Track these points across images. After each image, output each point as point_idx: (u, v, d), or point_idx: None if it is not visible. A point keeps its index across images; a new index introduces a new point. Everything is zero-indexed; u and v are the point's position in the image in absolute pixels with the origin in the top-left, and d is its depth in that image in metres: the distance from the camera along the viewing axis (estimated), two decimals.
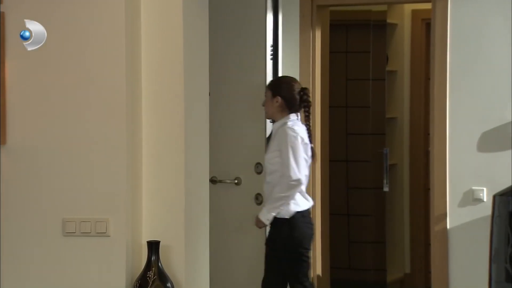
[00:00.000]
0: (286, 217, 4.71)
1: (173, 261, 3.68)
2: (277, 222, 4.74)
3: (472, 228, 5.27)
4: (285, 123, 4.76)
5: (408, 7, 6.80)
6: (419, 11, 6.74)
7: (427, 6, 5.57)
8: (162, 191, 3.73)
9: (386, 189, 6.06)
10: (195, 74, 3.86)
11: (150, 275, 3.58)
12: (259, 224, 4.77)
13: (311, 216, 4.91)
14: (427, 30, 6.47)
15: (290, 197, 4.68)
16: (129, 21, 3.63)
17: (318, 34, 5.72)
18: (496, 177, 5.19)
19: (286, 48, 5.34)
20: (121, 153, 3.61)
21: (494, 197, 5.10)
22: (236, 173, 4.92)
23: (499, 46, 5.23)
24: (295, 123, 4.77)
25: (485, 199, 5.24)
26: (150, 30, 3.72)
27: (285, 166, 4.66)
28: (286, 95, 4.78)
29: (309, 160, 4.80)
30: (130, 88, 3.65)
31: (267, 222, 4.74)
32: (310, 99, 4.87)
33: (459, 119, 5.30)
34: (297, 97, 4.80)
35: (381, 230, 6.64)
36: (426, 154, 6.36)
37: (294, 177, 4.64)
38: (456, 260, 5.31)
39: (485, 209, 5.19)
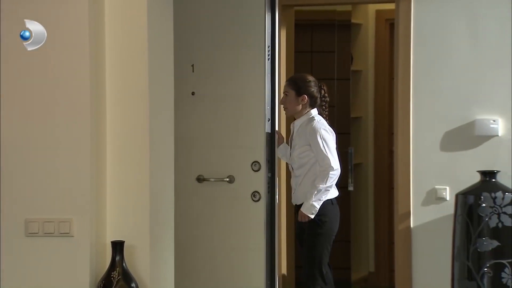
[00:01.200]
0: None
1: (137, 261, 3.67)
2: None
3: (435, 226, 5.32)
4: (312, 119, 5.00)
5: (372, 8, 6.84)
6: (383, 11, 6.78)
7: (391, 6, 5.62)
8: (126, 191, 3.72)
9: (350, 188, 6.09)
10: (160, 73, 3.85)
11: (114, 275, 3.57)
12: (304, 218, 4.96)
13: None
14: (391, 30, 6.51)
15: (332, 186, 4.96)
16: (92, 19, 3.61)
17: (283, 33, 5.73)
18: (458, 176, 5.25)
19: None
20: (85, 153, 3.59)
21: (457, 196, 5.16)
22: (228, 171, 4.91)
23: (462, 46, 5.28)
24: (320, 118, 5.03)
25: (448, 198, 5.29)
26: (114, 28, 3.70)
27: (322, 158, 4.91)
28: (311, 93, 5.03)
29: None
30: (94, 87, 3.63)
31: (312, 216, 4.93)
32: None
33: (423, 118, 5.35)
34: (318, 94, 5.07)
35: (346, 229, 6.67)
36: (390, 153, 6.40)
37: (335, 167, 4.91)
38: (420, 258, 5.36)
39: (448, 207, 5.25)
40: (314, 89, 5.05)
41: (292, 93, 5.04)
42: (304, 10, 6.46)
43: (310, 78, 5.11)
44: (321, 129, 4.95)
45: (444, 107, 5.31)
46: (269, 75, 4.88)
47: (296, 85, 5.05)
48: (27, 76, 3.60)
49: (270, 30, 4.91)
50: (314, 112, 5.04)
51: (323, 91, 5.09)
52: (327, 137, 4.96)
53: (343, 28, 6.67)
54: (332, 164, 4.90)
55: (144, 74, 3.70)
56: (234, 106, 4.82)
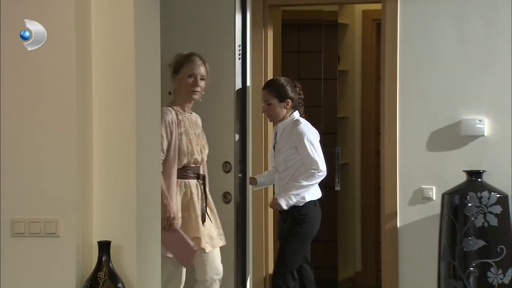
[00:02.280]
0: (299, 205, 4.97)
1: (124, 262, 3.67)
2: (291, 209, 4.98)
3: (421, 226, 5.34)
4: (298, 122, 5.03)
5: (359, 8, 6.86)
6: (370, 11, 6.80)
7: (378, 6, 5.63)
8: (113, 191, 3.71)
9: (337, 188, 6.10)
10: (147, 74, 3.85)
11: (100, 276, 3.56)
12: (276, 206, 5.02)
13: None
14: (378, 30, 6.53)
15: (313, 185, 5.00)
16: (79, 20, 3.60)
17: (270, 33, 5.74)
18: (445, 176, 5.27)
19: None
20: (71, 152, 3.58)
21: (443, 195, 5.18)
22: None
23: (448, 46, 5.30)
24: (304, 120, 5.07)
25: (434, 198, 5.31)
26: (100, 28, 3.70)
27: (310, 162, 4.94)
28: (293, 96, 5.06)
29: None
30: (80, 87, 3.62)
31: (286, 207, 4.98)
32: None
33: (409, 118, 5.37)
34: (296, 95, 5.12)
35: (333, 229, 6.69)
36: (377, 153, 6.42)
37: (322, 169, 4.97)
38: (406, 258, 5.37)
39: (434, 207, 5.27)
40: (291, 91, 5.06)
41: (275, 100, 5.04)
42: (291, 10, 6.48)
43: (285, 80, 5.11)
44: (308, 133, 4.99)
45: (430, 107, 5.33)
46: (240, 75, 4.88)
47: (277, 92, 5.05)
48: (12, 77, 3.59)
49: (240, 29, 4.90)
50: (297, 114, 5.07)
51: (297, 89, 5.11)
52: (314, 140, 5.01)
53: (330, 28, 6.68)
54: (321, 167, 4.96)
55: (131, 75, 3.69)
56: (205, 106, 4.80)
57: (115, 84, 3.72)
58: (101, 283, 3.55)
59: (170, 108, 4.44)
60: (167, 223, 4.22)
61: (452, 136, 5.31)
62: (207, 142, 4.59)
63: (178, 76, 4.48)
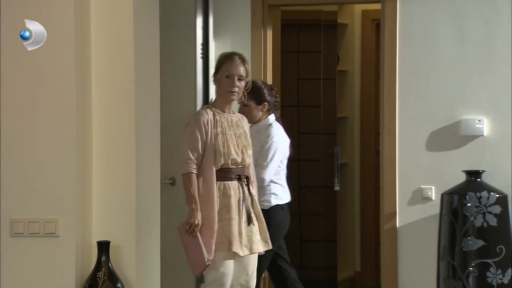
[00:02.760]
0: (265, 208, 4.84)
1: (123, 261, 3.67)
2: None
3: (421, 226, 5.34)
4: (270, 126, 4.97)
5: (358, 8, 6.86)
6: (369, 11, 6.80)
7: (377, 6, 5.63)
8: (112, 191, 3.72)
9: (337, 188, 6.10)
10: (146, 74, 3.85)
11: (100, 276, 3.56)
12: None
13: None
14: (377, 30, 6.53)
15: (281, 188, 4.99)
16: (78, 20, 3.60)
17: (269, 33, 5.73)
18: (444, 176, 5.27)
19: (237, 48, 5.35)
20: (71, 153, 3.58)
21: (442, 195, 5.18)
22: (170, 173, 4.89)
23: (448, 46, 5.31)
24: (277, 125, 5.00)
25: (433, 198, 5.31)
26: (100, 29, 3.70)
27: (260, 165, 4.84)
28: (269, 100, 5.00)
29: (287, 156, 5.04)
30: (80, 87, 3.62)
31: None
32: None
33: (408, 118, 5.37)
34: (272, 98, 5.04)
35: (332, 229, 6.69)
36: (376, 153, 6.42)
37: (267, 180, 4.88)
38: (406, 258, 5.37)
39: (434, 207, 5.26)
40: (268, 94, 5.01)
41: (252, 103, 4.96)
42: (290, 10, 6.47)
43: (262, 83, 5.07)
44: (275, 138, 4.90)
45: (429, 107, 5.33)
46: (201, 74, 4.88)
47: (254, 94, 4.94)
48: (12, 77, 3.59)
49: (202, 27, 4.89)
50: (272, 118, 5.01)
51: (274, 92, 5.07)
52: (276, 148, 4.91)
53: (329, 28, 6.68)
54: (265, 176, 4.86)
55: (131, 75, 3.69)
56: (169, 105, 4.79)
57: (114, 84, 3.72)
58: (101, 283, 3.55)
59: (206, 109, 4.29)
60: (190, 228, 4.09)
61: (452, 136, 5.31)
62: (250, 143, 4.41)
63: (217, 76, 4.31)
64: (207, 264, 4.10)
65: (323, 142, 6.71)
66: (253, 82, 5.10)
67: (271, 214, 4.89)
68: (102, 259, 3.58)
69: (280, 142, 4.96)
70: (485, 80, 5.26)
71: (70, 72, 3.57)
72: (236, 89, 4.27)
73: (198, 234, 4.08)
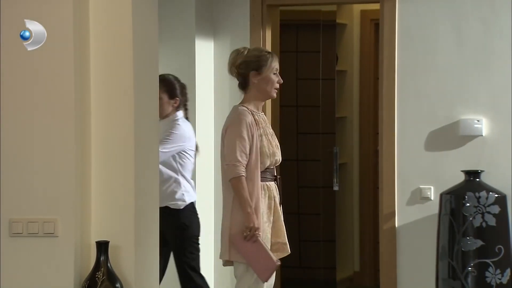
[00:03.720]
0: (181, 207, 4.81)
1: (122, 262, 3.67)
2: (173, 212, 4.81)
3: (420, 226, 5.34)
4: (177, 120, 4.90)
5: (357, 8, 6.86)
6: (368, 11, 6.80)
7: (376, 6, 5.64)
8: (111, 191, 3.71)
9: (336, 188, 6.10)
10: (145, 74, 3.85)
11: (99, 276, 3.56)
12: None
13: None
14: (376, 30, 6.53)
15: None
16: (77, 18, 3.60)
17: (268, 33, 5.74)
18: (443, 176, 5.27)
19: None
20: (70, 152, 3.58)
21: (441, 195, 5.18)
22: None
23: (446, 46, 5.31)
24: (184, 122, 4.94)
25: (432, 198, 5.32)
26: (98, 28, 3.70)
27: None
28: (179, 95, 4.95)
29: (193, 154, 4.94)
30: (79, 87, 3.62)
31: None
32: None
33: (407, 118, 5.37)
34: (183, 96, 5.01)
35: (331, 229, 6.69)
36: (375, 153, 6.42)
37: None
38: (404, 258, 5.38)
39: (433, 207, 5.27)
40: (180, 91, 4.97)
41: (164, 96, 4.89)
42: (289, 10, 6.47)
43: (174, 78, 5.00)
44: (179, 132, 4.83)
45: (428, 107, 5.34)
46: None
47: (168, 87, 4.92)
48: (10, 76, 3.59)
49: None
50: (180, 114, 4.94)
51: (184, 90, 5.03)
52: (175, 138, 4.84)
53: (328, 28, 6.68)
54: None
55: (129, 75, 3.69)
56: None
57: (113, 84, 3.72)
58: (100, 283, 3.55)
59: (245, 109, 4.10)
60: (249, 234, 3.95)
61: (450, 136, 5.31)
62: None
63: (262, 74, 4.13)
64: (278, 263, 3.98)
65: (322, 142, 6.71)
66: (166, 76, 5.04)
67: (185, 213, 4.80)
68: (101, 259, 3.58)
69: (180, 138, 4.84)
70: (484, 80, 5.27)
71: (69, 72, 3.57)
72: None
73: (259, 238, 3.95)
